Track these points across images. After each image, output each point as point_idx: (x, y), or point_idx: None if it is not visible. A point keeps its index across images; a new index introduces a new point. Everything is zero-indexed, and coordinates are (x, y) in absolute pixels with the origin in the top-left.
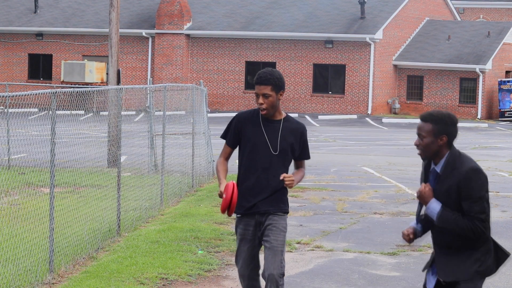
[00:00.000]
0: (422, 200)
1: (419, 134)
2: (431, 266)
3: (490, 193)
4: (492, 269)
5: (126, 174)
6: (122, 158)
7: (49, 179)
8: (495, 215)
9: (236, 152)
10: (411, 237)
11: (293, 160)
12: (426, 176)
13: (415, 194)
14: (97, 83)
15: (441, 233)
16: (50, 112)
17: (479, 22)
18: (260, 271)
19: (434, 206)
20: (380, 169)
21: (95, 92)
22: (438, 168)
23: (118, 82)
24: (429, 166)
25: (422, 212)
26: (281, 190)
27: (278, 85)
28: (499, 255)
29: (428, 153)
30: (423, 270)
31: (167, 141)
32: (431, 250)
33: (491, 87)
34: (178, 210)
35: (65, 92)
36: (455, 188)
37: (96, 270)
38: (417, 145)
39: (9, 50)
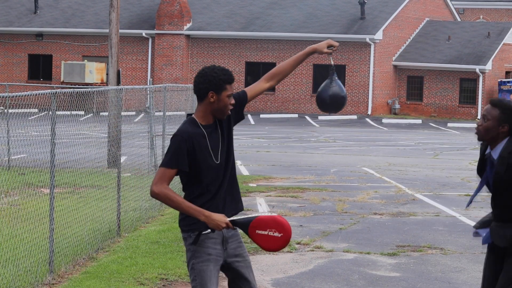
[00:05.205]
0: None
1: (484, 116)
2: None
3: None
4: None
5: (126, 175)
6: (122, 159)
7: (49, 179)
8: None
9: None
10: None
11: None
12: (482, 159)
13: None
14: (97, 83)
15: (500, 209)
16: (50, 112)
17: (479, 22)
18: None
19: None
20: (380, 170)
21: (95, 92)
22: (494, 154)
23: (118, 83)
24: (485, 150)
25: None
26: None
27: None
28: None
29: (486, 136)
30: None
31: (167, 141)
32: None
33: (491, 87)
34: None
35: (65, 92)
36: (507, 170)
37: (96, 271)
38: (478, 126)
39: (9, 51)
